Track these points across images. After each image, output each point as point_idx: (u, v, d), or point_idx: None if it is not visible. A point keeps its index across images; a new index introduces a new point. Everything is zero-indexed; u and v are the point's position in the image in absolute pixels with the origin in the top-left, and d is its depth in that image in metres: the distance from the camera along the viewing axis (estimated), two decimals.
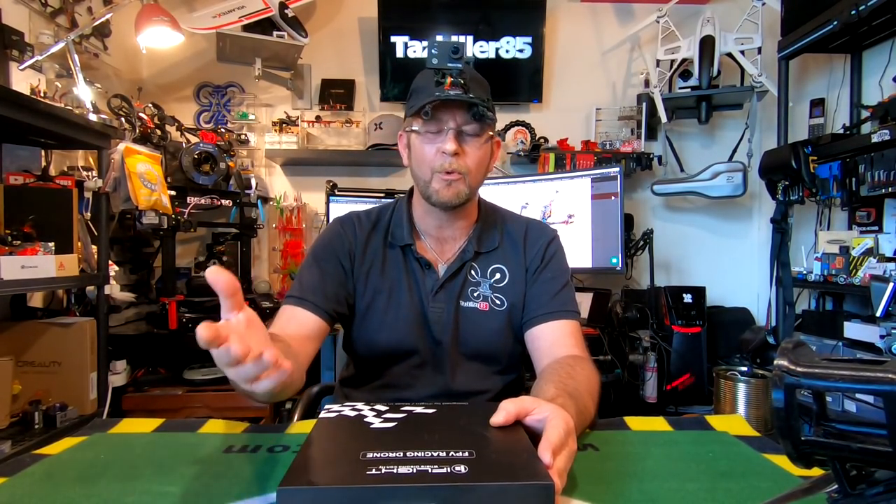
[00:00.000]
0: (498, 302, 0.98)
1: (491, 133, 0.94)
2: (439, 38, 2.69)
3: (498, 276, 1.00)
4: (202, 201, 2.38)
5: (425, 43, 2.82)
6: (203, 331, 0.48)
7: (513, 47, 2.84)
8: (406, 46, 2.84)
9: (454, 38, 2.79)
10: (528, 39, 2.84)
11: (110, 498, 0.55)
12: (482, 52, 2.86)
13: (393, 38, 2.83)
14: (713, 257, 2.93)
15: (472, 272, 0.99)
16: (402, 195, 1.07)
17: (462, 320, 0.97)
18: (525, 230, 1.04)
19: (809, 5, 2.22)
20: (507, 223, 1.05)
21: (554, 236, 1.05)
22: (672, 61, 2.68)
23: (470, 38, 2.85)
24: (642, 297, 2.62)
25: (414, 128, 0.92)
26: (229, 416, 0.80)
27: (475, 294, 0.98)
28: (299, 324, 0.90)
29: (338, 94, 2.86)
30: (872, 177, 2.03)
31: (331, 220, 1.06)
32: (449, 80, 0.86)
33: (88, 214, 1.94)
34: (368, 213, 1.05)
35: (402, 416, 0.65)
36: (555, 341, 0.93)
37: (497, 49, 2.85)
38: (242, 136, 2.77)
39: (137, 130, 2.25)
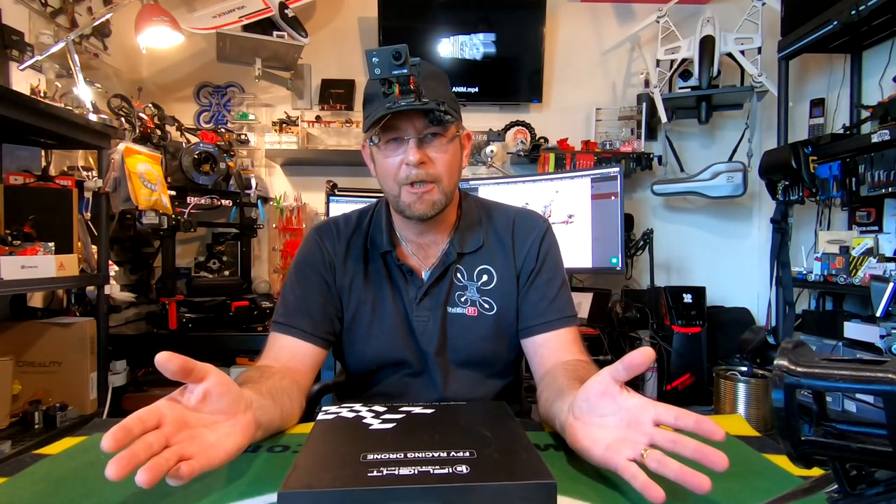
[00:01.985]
0: (486, 306, 0.93)
1: (457, 131, 0.88)
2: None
3: (485, 277, 0.94)
4: (202, 201, 2.39)
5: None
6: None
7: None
8: None
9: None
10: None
11: (110, 498, 0.55)
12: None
13: (393, 39, 2.83)
14: (713, 257, 2.93)
15: (458, 275, 0.94)
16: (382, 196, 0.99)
17: (450, 327, 0.93)
18: (512, 223, 0.98)
19: (809, 5, 2.22)
20: (493, 217, 0.99)
21: (546, 228, 0.98)
22: (672, 61, 2.67)
23: (463, 38, 2.85)
24: (642, 297, 2.62)
25: (373, 141, 0.86)
26: None
27: (462, 299, 0.93)
28: (292, 354, 0.87)
29: (338, 94, 2.86)
30: (872, 177, 2.03)
31: (308, 230, 1.01)
32: (398, 87, 0.78)
33: (88, 214, 1.94)
34: (348, 219, 0.99)
35: (401, 417, 0.65)
36: (557, 349, 0.90)
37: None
38: (242, 136, 2.77)
39: (137, 130, 2.25)
